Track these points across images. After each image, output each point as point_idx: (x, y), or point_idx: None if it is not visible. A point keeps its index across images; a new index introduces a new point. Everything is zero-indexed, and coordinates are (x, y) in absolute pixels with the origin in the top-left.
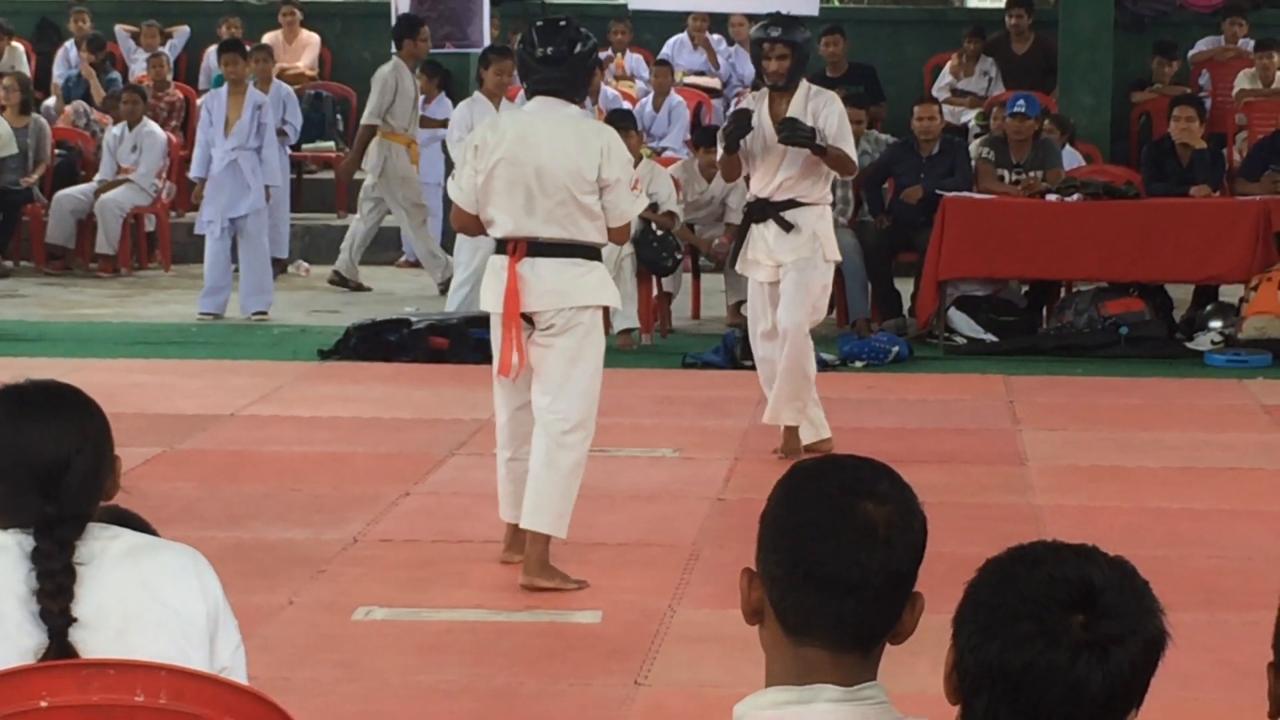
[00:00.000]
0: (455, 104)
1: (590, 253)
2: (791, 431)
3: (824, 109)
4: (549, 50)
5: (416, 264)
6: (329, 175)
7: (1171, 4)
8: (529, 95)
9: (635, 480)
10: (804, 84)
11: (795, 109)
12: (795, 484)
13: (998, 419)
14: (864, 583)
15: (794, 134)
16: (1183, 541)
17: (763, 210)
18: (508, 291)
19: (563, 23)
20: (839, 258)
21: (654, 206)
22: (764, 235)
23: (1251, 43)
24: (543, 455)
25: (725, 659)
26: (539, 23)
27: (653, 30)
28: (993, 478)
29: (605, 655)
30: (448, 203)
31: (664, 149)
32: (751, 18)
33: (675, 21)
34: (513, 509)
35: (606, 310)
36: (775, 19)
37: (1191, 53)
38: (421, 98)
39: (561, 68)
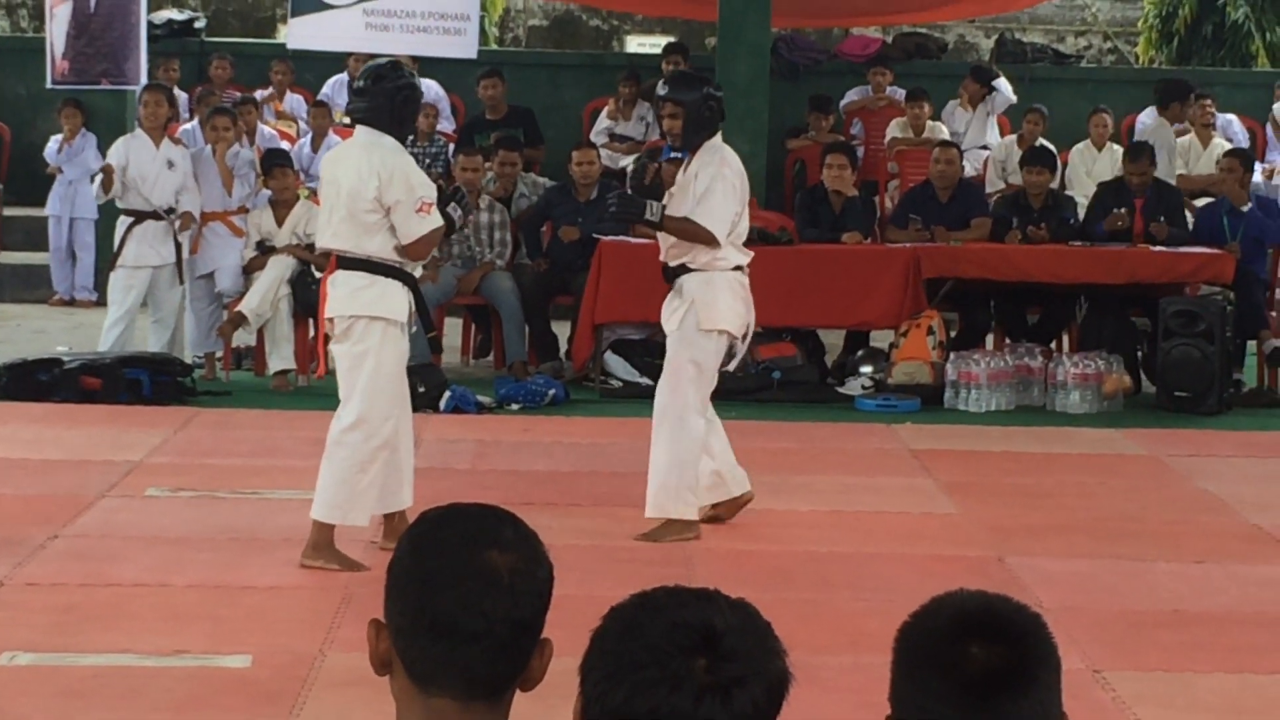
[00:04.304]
0: (99, 140)
1: (374, 267)
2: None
3: (702, 170)
4: (360, 83)
5: (70, 301)
6: None
7: (826, 53)
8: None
9: (289, 523)
10: (710, 144)
11: (688, 172)
12: (420, 533)
13: None
14: (488, 631)
15: (618, 210)
16: (831, 584)
17: (662, 273)
18: (319, 298)
19: (383, 60)
20: (718, 325)
21: (310, 247)
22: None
23: (902, 92)
24: (326, 450)
25: (375, 703)
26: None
27: (313, 71)
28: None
29: (255, 700)
30: (100, 239)
31: None
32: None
33: (335, 62)
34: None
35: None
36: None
37: (843, 102)
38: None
39: (365, 98)
